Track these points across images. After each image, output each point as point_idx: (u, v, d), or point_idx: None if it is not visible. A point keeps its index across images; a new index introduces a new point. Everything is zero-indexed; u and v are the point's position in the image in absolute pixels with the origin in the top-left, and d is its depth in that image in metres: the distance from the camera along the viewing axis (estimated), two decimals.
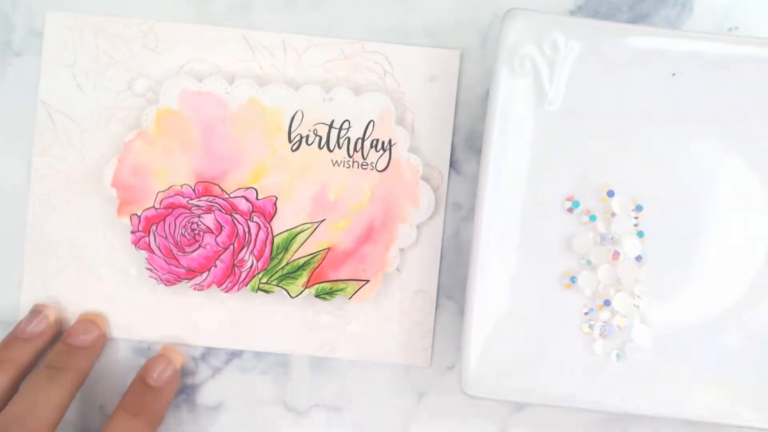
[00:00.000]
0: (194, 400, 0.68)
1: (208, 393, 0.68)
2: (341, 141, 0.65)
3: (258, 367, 0.68)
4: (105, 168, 0.65)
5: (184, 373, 0.68)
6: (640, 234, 0.63)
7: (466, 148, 0.67)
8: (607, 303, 0.63)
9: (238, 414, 0.69)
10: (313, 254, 0.65)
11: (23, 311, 0.67)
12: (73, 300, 0.67)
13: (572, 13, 0.67)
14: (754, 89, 0.61)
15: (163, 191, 0.65)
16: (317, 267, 0.65)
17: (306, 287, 0.65)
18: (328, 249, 0.65)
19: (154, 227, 0.65)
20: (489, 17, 0.67)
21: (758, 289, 0.63)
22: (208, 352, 0.68)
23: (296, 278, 0.65)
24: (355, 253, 0.65)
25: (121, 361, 0.68)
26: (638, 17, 0.66)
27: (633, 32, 0.60)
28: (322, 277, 0.65)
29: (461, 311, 0.65)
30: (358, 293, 0.65)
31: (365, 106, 0.65)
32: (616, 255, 0.63)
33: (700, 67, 0.61)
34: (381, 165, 0.65)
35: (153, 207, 0.65)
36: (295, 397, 0.68)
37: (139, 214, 0.65)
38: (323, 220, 0.65)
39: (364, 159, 0.65)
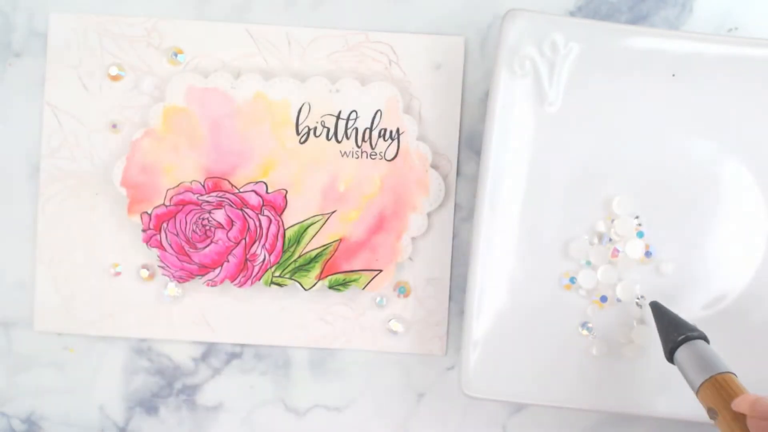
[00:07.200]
0: (194, 400, 0.68)
1: (208, 393, 0.69)
2: (349, 132, 0.65)
3: (258, 367, 0.68)
4: (114, 167, 0.65)
5: (184, 373, 0.68)
6: (640, 234, 0.64)
7: (466, 148, 0.67)
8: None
9: (238, 414, 0.69)
10: (325, 246, 0.65)
11: (36, 313, 0.67)
12: (87, 300, 0.67)
13: (572, 13, 0.67)
14: (754, 89, 0.62)
15: (172, 188, 0.65)
16: (330, 258, 0.65)
17: (319, 279, 0.65)
18: (340, 240, 0.65)
19: (165, 225, 0.65)
20: (489, 17, 0.67)
21: (757, 288, 0.64)
22: (208, 353, 0.68)
23: (309, 270, 0.65)
24: (367, 244, 0.65)
25: (121, 361, 0.68)
26: (638, 18, 0.67)
27: (633, 33, 0.61)
28: (335, 269, 0.65)
29: (461, 311, 0.66)
30: (371, 283, 0.65)
31: (372, 96, 0.66)
32: (615, 252, 0.64)
33: (700, 68, 0.62)
34: (390, 154, 0.66)
35: (163, 204, 0.65)
36: (295, 397, 0.69)
37: (149, 212, 0.65)
38: (334, 211, 0.65)
39: (373, 149, 0.65)
